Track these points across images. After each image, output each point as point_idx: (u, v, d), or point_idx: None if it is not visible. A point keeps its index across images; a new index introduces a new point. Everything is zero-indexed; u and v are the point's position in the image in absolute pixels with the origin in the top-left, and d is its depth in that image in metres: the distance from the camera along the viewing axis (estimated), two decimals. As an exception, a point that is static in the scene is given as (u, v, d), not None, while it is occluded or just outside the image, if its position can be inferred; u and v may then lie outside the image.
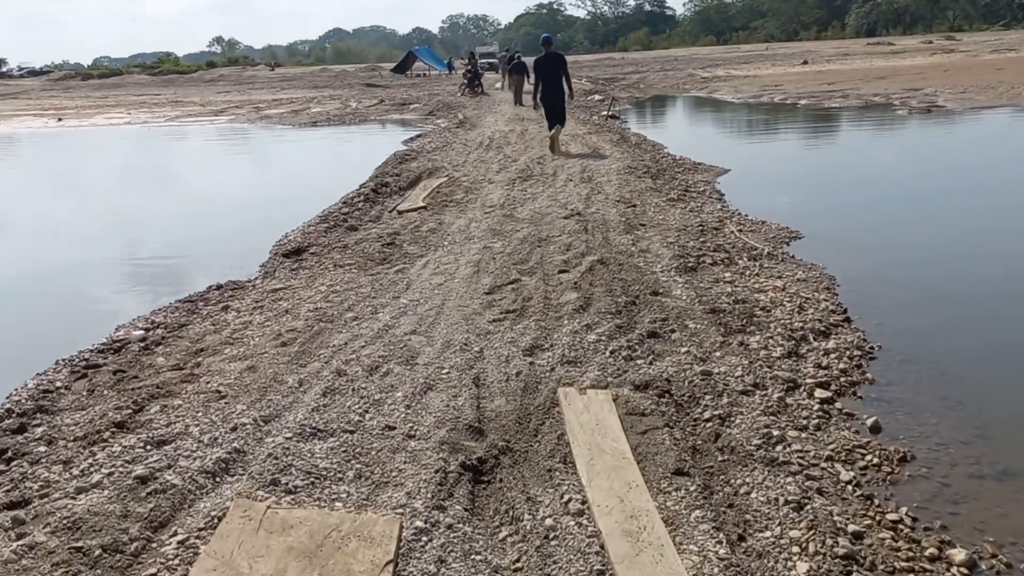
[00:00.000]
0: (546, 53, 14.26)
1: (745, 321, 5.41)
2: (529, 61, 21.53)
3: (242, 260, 8.88)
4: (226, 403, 4.47)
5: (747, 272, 6.68)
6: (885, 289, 6.63)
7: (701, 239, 7.81)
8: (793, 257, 7.33)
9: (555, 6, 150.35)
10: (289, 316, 6.01)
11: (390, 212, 10.34)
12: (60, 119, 32.23)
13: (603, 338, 5.15)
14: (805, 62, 50.26)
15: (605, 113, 23.28)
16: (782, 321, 5.45)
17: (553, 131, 14.24)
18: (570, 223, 8.52)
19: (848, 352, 5.00)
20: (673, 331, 5.24)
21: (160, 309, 6.63)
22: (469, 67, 34.60)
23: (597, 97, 30.40)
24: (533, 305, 5.89)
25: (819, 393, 4.44)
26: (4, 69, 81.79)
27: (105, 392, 4.80)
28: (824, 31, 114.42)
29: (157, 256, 9.54)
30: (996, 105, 20.90)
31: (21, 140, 26.42)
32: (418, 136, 19.93)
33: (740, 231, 8.25)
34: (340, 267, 7.43)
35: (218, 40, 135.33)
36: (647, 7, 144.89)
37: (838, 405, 4.37)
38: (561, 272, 6.70)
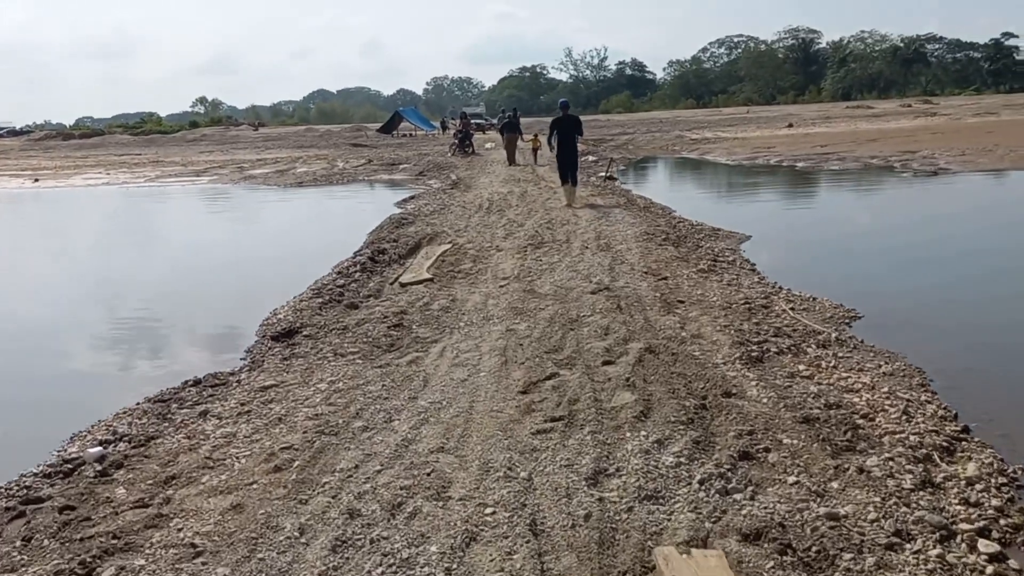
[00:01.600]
0: (564, 115, 15.14)
1: (850, 435, 4.38)
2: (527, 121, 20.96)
3: (224, 343, 7.83)
4: (204, 563, 3.36)
5: (822, 364, 5.69)
6: (985, 384, 5.66)
7: (753, 320, 6.83)
8: (863, 343, 6.36)
9: (538, 69, 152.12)
10: (283, 426, 4.92)
11: (391, 284, 9.32)
12: (37, 180, 31.18)
13: (683, 460, 4.10)
14: (790, 125, 50.46)
15: (603, 174, 22.60)
16: (893, 433, 4.44)
17: (566, 186, 14.96)
18: (600, 300, 7.52)
19: (992, 479, 3.98)
20: (768, 450, 4.20)
21: (125, 412, 5.52)
22: (460, 127, 34.05)
23: (591, 158, 29.83)
24: (582, 409, 4.84)
25: (983, 545, 3.41)
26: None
27: (46, 543, 3.67)
28: (801, 95, 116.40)
29: (127, 337, 8.42)
30: (1001, 168, 20.38)
31: (-7, 201, 25.31)
32: (412, 198, 19.04)
33: (792, 310, 7.29)
34: (341, 356, 6.36)
35: (201, 100, 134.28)
36: (628, 71, 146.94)
37: (1013, 564, 3.33)
38: (606, 364, 5.67)
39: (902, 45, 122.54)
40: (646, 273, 8.78)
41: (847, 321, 7.05)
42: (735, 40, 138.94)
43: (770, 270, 9.30)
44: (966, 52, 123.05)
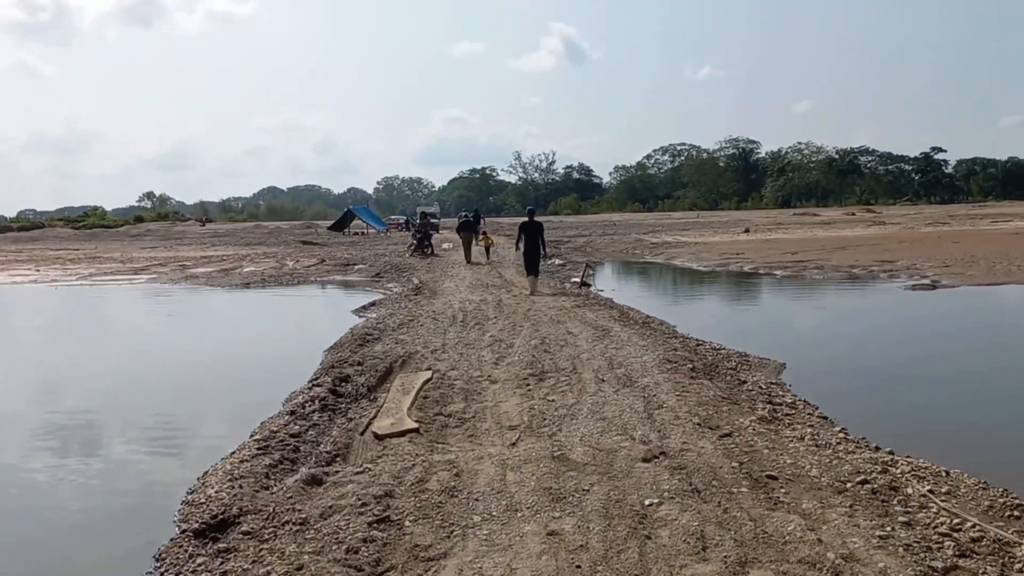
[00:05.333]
0: (531, 220, 17.90)
1: None
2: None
3: (124, 531, 5.46)
4: None
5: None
6: None
7: (900, 519, 4.77)
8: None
9: (487, 171, 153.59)
10: None
11: (362, 435, 7.08)
12: (-52, 275, 28.15)
13: None
14: (747, 230, 50.20)
15: (576, 280, 20.87)
16: None
17: (531, 277, 17.61)
18: (661, 473, 5.42)
19: None
20: None
21: None
22: (419, 226, 32.33)
23: (557, 261, 28.18)
24: None
25: None
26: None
27: None
28: (744, 201, 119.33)
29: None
30: (998, 282, 19.25)
31: None
32: (372, 305, 16.89)
33: (932, 493, 5.28)
34: (303, 589, 4.06)
35: (149, 195, 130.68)
36: (575, 175, 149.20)
37: None
38: (733, 621, 3.52)
39: (837, 156, 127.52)
40: (699, 425, 6.72)
41: (1014, 513, 5.06)
42: (678, 148, 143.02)
43: (843, 417, 7.36)
44: (897, 164, 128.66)
